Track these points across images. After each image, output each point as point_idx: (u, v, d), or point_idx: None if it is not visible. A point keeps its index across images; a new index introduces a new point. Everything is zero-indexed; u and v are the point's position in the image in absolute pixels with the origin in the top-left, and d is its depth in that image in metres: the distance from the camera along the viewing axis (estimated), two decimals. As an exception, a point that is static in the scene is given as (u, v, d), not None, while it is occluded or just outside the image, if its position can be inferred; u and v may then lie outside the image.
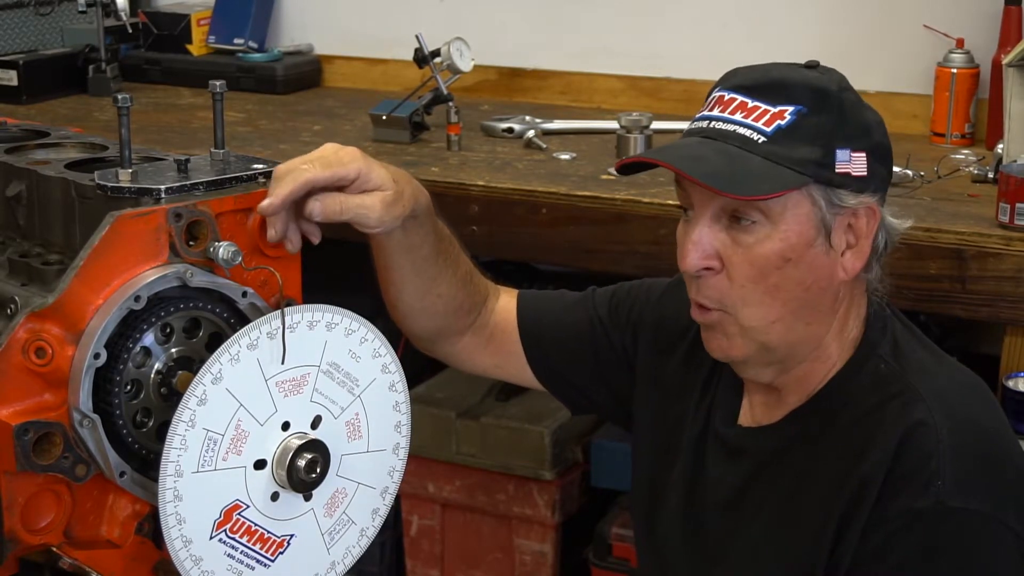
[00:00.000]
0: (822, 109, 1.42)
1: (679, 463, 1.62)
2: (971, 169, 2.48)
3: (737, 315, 1.44)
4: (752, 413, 1.57)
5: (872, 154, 1.44)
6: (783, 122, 1.41)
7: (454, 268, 1.61)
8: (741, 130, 1.42)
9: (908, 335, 1.53)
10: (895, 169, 2.37)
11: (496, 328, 1.73)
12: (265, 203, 1.30)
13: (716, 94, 1.47)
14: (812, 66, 1.48)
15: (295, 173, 1.32)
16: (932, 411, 1.40)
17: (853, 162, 1.42)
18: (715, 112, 1.45)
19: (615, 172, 1.55)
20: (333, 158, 1.36)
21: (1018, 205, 2.08)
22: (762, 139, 1.41)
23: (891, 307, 1.55)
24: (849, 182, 1.42)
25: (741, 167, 1.39)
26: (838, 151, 1.41)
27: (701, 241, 1.43)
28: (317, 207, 1.34)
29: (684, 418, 1.63)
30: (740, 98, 1.43)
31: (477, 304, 1.70)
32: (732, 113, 1.43)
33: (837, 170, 1.41)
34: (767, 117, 1.41)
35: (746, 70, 1.48)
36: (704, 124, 1.45)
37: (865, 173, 1.43)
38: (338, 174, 1.35)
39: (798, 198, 1.41)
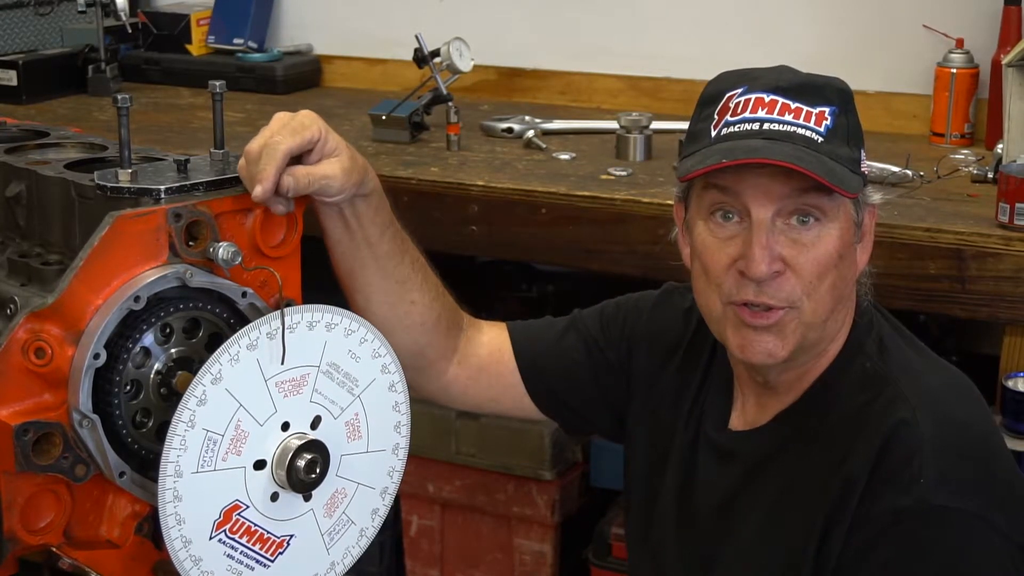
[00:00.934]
0: (848, 110, 1.46)
1: (672, 469, 1.63)
2: (971, 169, 2.48)
3: (802, 310, 1.43)
4: (744, 415, 1.58)
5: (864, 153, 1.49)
6: (828, 123, 1.43)
7: (424, 274, 1.58)
8: (800, 131, 1.42)
9: (894, 334, 1.53)
10: (894, 169, 2.40)
11: (489, 360, 1.71)
12: (258, 191, 1.30)
13: (750, 96, 1.44)
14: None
15: (270, 150, 1.31)
16: (915, 410, 1.41)
17: (864, 161, 1.48)
18: (760, 114, 1.43)
19: (678, 175, 1.51)
20: (296, 124, 1.35)
21: (1018, 205, 2.08)
22: (820, 139, 1.42)
23: (877, 305, 1.56)
24: (867, 181, 1.47)
25: (825, 165, 1.40)
26: (862, 150, 1.47)
27: (770, 246, 1.41)
28: (291, 182, 1.32)
29: (676, 425, 1.64)
30: (782, 100, 1.43)
31: (456, 324, 1.67)
32: (780, 114, 1.43)
33: (862, 169, 1.46)
34: (814, 118, 1.42)
35: (773, 72, 1.47)
36: (755, 126, 1.43)
37: (867, 171, 1.48)
38: (305, 138, 1.35)
39: (844, 197, 1.43)
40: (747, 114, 1.43)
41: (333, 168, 1.38)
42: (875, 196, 1.49)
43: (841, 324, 1.49)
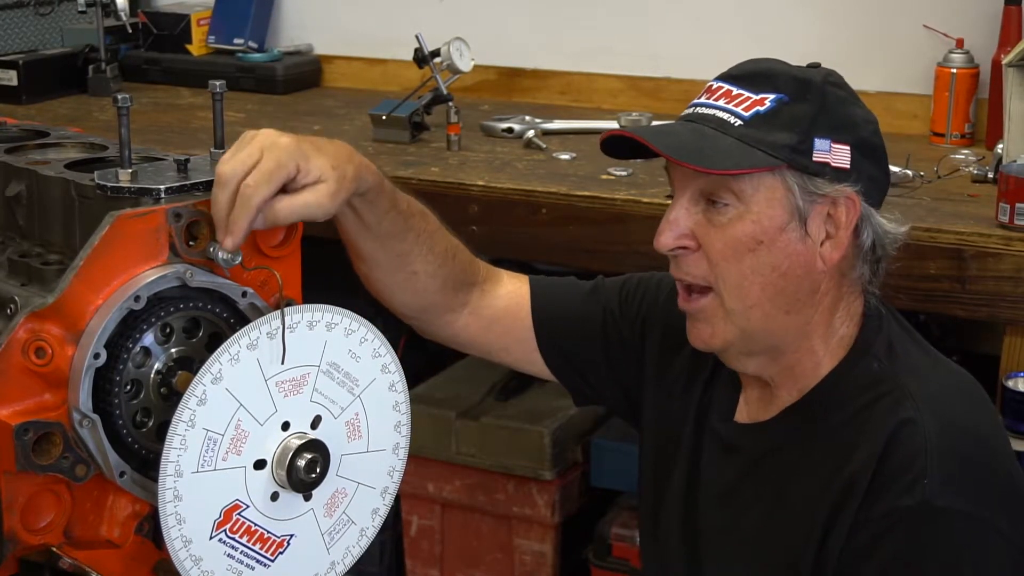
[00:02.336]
0: (803, 98, 1.45)
1: (679, 460, 1.63)
2: (971, 169, 2.48)
3: (721, 293, 1.46)
4: (748, 409, 1.58)
5: (857, 149, 1.45)
6: (762, 108, 1.44)
7: (429, 244, 1.57)
8: (720, 114, 1.45)
9: (904, 336, 1.53)
10: (894, 169, 2.39)
11: (505, 312, 1.71)
12: (229, 243, 1.26)
13: (711, 83, 1.50)
14: (813, 67, 1.50)
15: (244, 200, 1.26)
16: (921, 411, 1.41)
17: (833, 153, 1.44)
18: (702, 99, 1.49)
19: (604, 152, 1.56)
20: (272, 164, 1.29)
21: (1018, 205, 2.08)
22: (738, 122, 1.44)
23: (889, 308, 1.55)
24: (826, 171, 1.44)
25: (711, 144, 1.43)
26: (816, 139, 1.44)
27: (677, 220, 1.46)
28: (259, 219, 1.29)
29: (686, 415, 1.64)
30: (726, 86, 1.47)
31: (467, 282, 1.66)
32: (716, 100, 1.47)
33: (815, 158, 1.43)
34: (748, 103, 1.45)
35: (743, 63, 1.51)
36: (690, 111, 1.49)
37: (847, 166, 1.45)
38: (281, 179, 1.29)
39: (771, 182, 1.43)
40: (698, 99, 1.49)
41: (316, 196, 1.33)
42: (826, 188, 1.44)
43: (807, 320, 1.48)
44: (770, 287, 1.45)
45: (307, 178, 1.32)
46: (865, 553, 1.39)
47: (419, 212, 1.56)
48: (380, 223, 1.49)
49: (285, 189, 1.31)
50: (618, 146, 1.53)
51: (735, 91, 1.46)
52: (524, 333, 1.72)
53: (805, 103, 1.44)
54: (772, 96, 1.44)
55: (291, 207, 1.31)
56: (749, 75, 1.47)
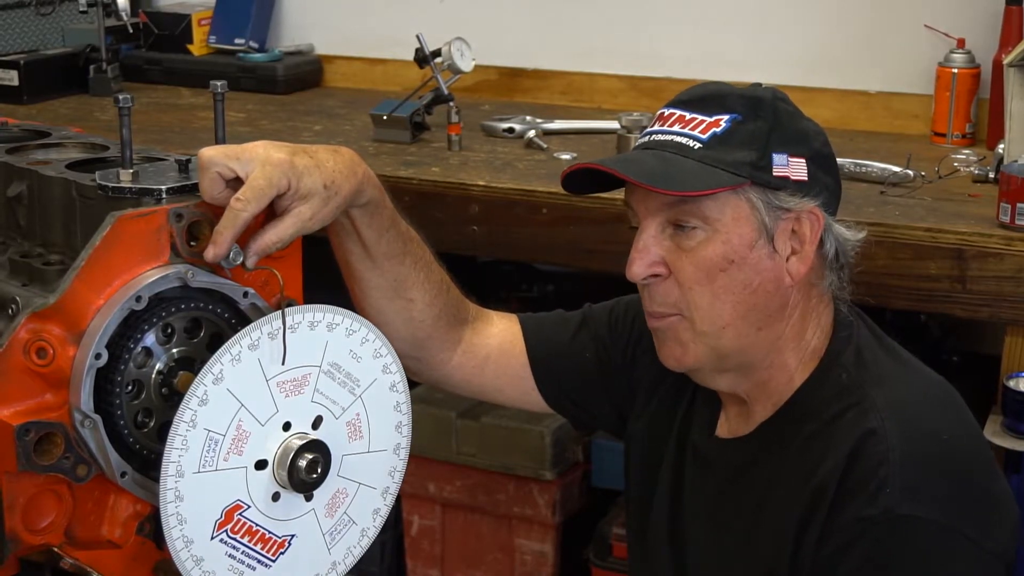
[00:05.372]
0: (757, 116, 1.47)
1: (664, 475, 1.64)
2: (972, 169, 2.48)
3: (692, 317, 1.47)
4: (729, 425, 1.59)
5: (812, 161, 1.48)
6: (718, 129, 1.46)
7: (426, 272, 1.58)
8: (678, 138, 1.47)
9: (874, 343, 1.53)
10: (895, 169, 2.40)
11: (499, 351, 1.72)
12: (210, 254, 1.26)
13: (663, 111, 1.51)
14: (756, 87, 1.53)
15: (233, 215, 1.26)
16: (884, 420, 1.41)
17: (791, 166, 1.46)
18: (655, 127, 1.50)
19: (566, 190, 1.58)
20: (263, 182, 1.28)
21: (1019, 205, 2.08)
22: (698, 145, 1.45)
23: (859, 314, 1.56)
24: (788, 185, 1.46)
25: (675, 168, 1.44)
26: (774, 155, 1.46)
27: (647, 249, 1.47)
28: (253, 261, 1.29)
29: (671, 431, 1.65)
30: (678, 112, 1.49)
31: (460, 319, 1.67)
32: (670, 126, 1.48)
33: (775, 173, 1.45)
34: (703, 126, 1.46)
35: (690, 88, 1.52)
36: (645, 139, 1.50)
37: (805, 178, 1.47)
38: (270, 197, 1.29)
39: (736, 202, 1.44)
40: (652, 127, 1.51)
41: (302, 217, 1.32)
42: (790, 202, 1.46)
43: (778, 335, 1.49)
44: (742, 305, 1.46)
45: (297, 195, 1.32)
46: (832, 563, 1.39)
47: (417, 239, 1.57)
48: (379, 241, 1.49)
49: (275, 205, 1.31)
50: (579, 182, 1.54)
51: (688, 116, 1.48)
52: (520, 371, 1.73)
53: (759, 120, 1.46)
54: (726, 117, 1.46)
55: (281, 234, 1.31)
56: (699, 99, 1.49)
